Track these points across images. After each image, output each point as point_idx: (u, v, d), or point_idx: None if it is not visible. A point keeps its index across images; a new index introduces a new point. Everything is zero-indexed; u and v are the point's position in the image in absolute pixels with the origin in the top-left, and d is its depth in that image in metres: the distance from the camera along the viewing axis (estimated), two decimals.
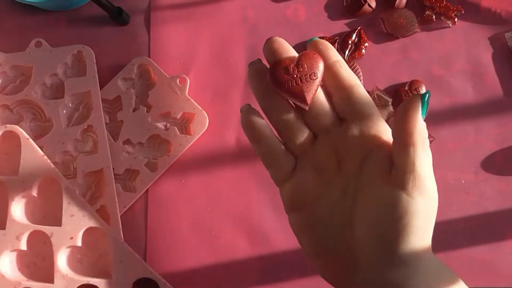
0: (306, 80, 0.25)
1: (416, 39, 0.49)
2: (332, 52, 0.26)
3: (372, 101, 0.26)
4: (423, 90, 0.46)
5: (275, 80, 0.26)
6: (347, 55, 0.48)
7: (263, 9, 0.50)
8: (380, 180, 0.25)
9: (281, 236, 0.45)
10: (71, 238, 0.41)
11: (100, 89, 0.46)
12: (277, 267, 0.45)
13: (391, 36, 0.48)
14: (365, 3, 0.48)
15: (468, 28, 0.49)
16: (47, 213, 0.43)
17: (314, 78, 0.25)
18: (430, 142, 0.45)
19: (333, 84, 0.26)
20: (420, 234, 0.23)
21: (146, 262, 0.45)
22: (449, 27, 0.49)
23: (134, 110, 0.46)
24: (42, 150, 0.44)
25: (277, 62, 0.26)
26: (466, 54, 0.48)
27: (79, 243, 0.41)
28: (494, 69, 0.48)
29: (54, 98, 0.46)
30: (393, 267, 0.24)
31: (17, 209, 0.42)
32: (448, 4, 0.48)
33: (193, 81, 0.48)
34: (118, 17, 0.48)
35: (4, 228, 0.41)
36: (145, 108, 0.46)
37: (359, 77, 0.47)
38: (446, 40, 0.49)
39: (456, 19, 0.48)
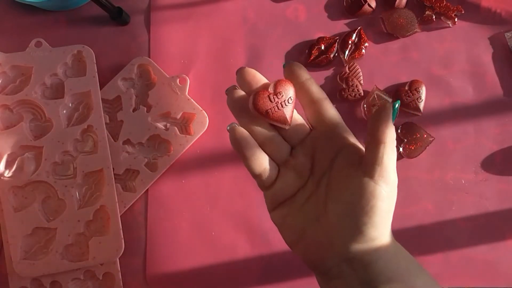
0: (285, 105, 0.29)
1: (416, 39, 0.49)
2: (305, 72, 0.30)
3: (337, 112, 0.31)
4: (423, 90, 0.46)
5: (259, 109, 0.29)
6: (347, 55, 0.48)
7: (263, 9, 0.50)
8: (350, 171, 0.28)
9: (281, 236, 0.45)
10: None
11: (100, 89, 0.46)
12: (277, 267, 0.45)
13: (391, 36, 0.48)
14: (365, 3, 0.48)
15: (468, 28, 0.49)
16: None
17: (291, 102, 0.29)
18: (430, 142, 0.45)
19: (305, 99, 0.30)
20: (383, 216, 0.27)
21: (146, 262, 0.45)
22: (449, 27, 0.49)
23: (134, 110, 0.46)
24: (42, 150, 0.44)
25: (257, 93, 0.29)
26: (466, 54, 0.48)
27: None
28: (494, 69, 0.48)
29: (54, 98, 0.46)
30: (362, 245, 0.27)
31: None
32: (448, 4, 0.48)
33: (193, 81, 0.48)
34: (118, 17, 0.48)
35: None
36: (145, 108, 0.46)
37: (358, 77, 0.47)
38: (446, 40, 0.49)
39: (456, 19, 0.48)
